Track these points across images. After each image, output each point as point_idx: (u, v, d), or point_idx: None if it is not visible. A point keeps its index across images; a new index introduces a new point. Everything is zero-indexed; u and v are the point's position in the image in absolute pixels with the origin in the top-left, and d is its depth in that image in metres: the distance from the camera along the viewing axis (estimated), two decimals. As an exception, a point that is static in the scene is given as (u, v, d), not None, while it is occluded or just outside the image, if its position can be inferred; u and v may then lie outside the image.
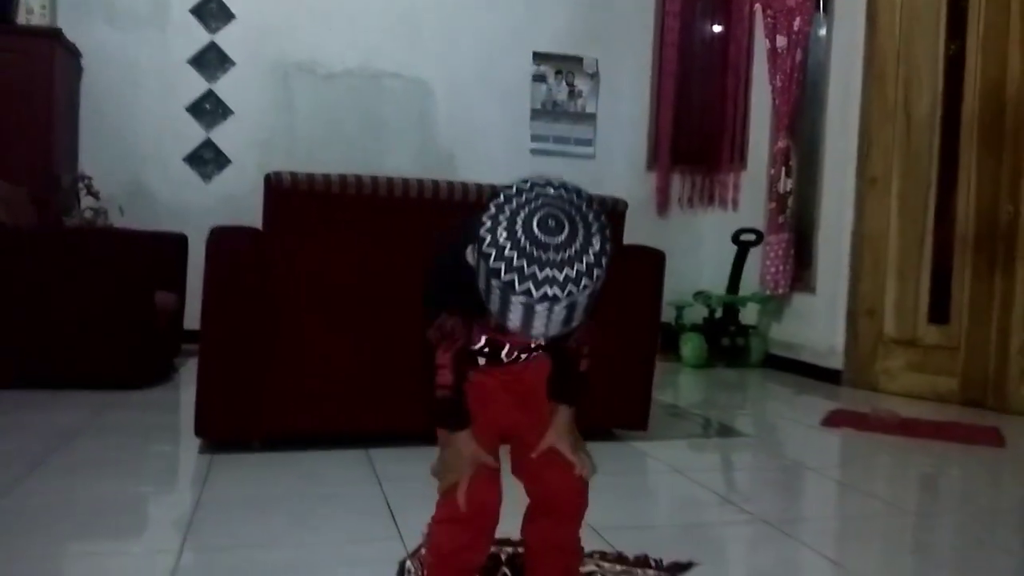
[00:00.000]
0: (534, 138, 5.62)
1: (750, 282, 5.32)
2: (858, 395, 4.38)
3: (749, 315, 5.41)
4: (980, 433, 3.43)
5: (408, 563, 1.75)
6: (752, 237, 5.30)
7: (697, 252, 5.75)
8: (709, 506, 2.36)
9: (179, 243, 4.32)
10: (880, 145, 4.56)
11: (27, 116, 4.30)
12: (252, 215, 2.66)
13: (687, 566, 1.78)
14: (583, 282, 1.05)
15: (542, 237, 1.04)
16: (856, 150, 4.63)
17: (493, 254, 1.05)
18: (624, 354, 2.97)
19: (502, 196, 1.08)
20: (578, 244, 1.04)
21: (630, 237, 2.91)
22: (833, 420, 3.59)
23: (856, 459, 3.05)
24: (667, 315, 4.68)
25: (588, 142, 5.73)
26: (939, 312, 4.35)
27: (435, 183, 2.71)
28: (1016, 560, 2.02)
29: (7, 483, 2.21)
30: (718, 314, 5.36)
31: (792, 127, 5.08)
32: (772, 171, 5.20)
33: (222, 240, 2.59)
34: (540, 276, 1.03)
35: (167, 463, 2.54)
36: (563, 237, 1.04)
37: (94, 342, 3.48)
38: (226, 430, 2.63)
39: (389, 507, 2.17)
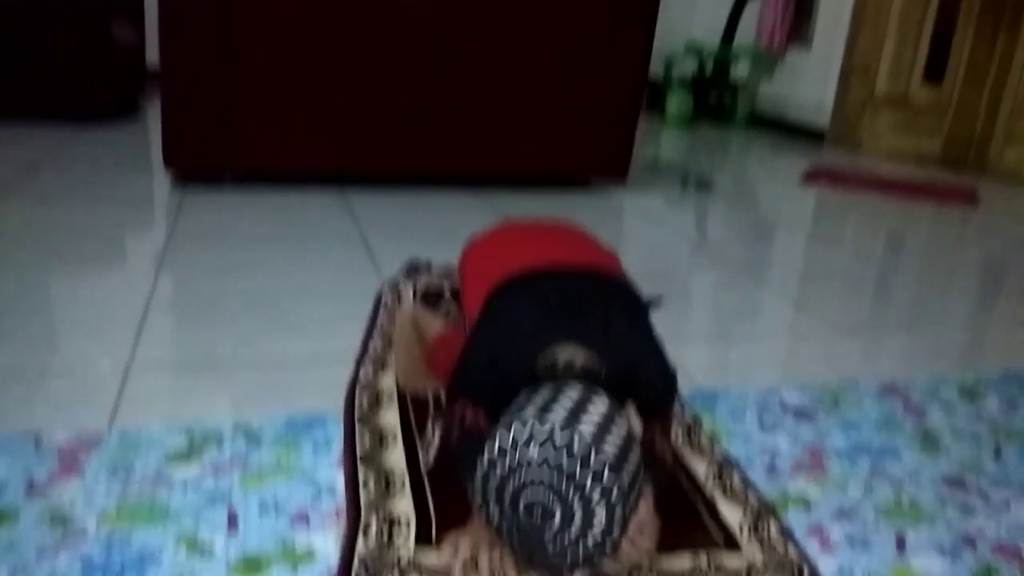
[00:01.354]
0: None
1: (745, 37, 5.08)
2: (841, 154, 4.35)
3: (739, 72, 5.23)
4: (956, 193, 3.46)
5: (385, 292, 1.78)
6: (751, -15, 4.99)
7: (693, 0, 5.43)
8: (681, 252, 2.40)
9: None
10: None
11: None
12: (209, -71, 2.41)
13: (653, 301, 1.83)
14: (588, 562, 0.88)
15: (529, 525, 0.86)
16: None
17: (486, 517, 0.90)
18: (609, 102, 2.88)
19: (485, 462, 0.88)
20: (575, 529, 0.85)
21: (622, -29, 2.70)
22: (812, 177, 3.59)
23: (829, 214, 3.09)
24: (656, 70, 4.51)
25: None
26: (934, 71, 4.22)
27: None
28: (969, 303, 2.11)
29: (-24, 210, 2.19)
30: (708, 70, 5.18)
31: None
32: (781, -91, 4.78)
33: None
34: (537, 556, 0.88)
35: (138, 195, 2.51)
36: (555, 523, 0.85)
37: (50, 74, 3.31)
38: (195, 164, 2.58)
39: (366, 242, 2.18)
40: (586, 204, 2.80)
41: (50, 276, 1.77)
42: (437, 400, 1.32)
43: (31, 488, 1.02)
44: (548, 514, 0.85)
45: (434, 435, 1.21)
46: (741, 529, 1.05)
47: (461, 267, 1.40)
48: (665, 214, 2.84)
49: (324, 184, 2.75)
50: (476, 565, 0.93)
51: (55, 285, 1.73)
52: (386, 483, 1.09)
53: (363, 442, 1.18)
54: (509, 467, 0.86)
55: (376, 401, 1.31)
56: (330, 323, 1.64)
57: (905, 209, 3.17)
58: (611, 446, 0.87)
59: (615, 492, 0.85)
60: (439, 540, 0.97)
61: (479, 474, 0.88)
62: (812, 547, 1.04)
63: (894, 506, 1.15)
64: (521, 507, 0.86)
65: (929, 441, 1.35)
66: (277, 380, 1.39)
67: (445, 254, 2.01)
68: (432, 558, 0.95)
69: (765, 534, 1.05)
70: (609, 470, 0.85)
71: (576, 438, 0.85)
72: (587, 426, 0.87)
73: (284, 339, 1.55)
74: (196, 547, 0.94)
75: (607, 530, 0.85)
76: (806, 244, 2.62)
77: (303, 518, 1.01)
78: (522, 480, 0.85)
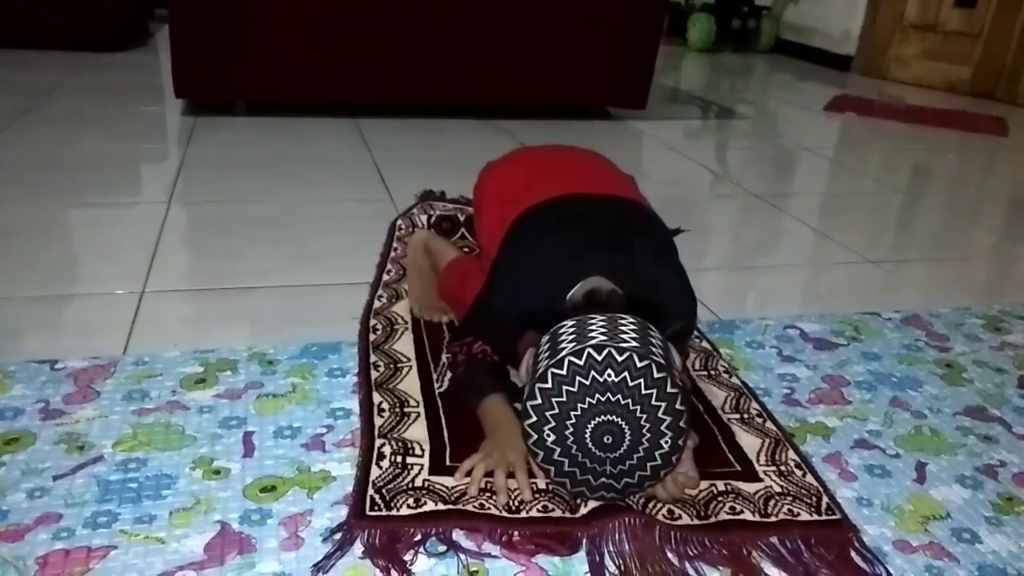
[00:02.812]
0: None
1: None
2: (867, 82, 4.23)
3: (764, -5, 5.06)
4: (985, 122, 3.36)
5: (399, 221, 1.75)
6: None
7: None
8: (702, 181, 2.35)
9: None
10: None
11: None
12: None
13: (675, 231, 1.80)
14: (648, 483, 0.88)
15: (598, 452, 0.85)
16: None
17: (541, 455, 0.87)
18: (626, 29, 2.79)
19: (538, 395, 0.85)
20: (642, 451, 0.85)
21: None
22: (837, 105, 3.49)
23: (854, 142, 3.01)
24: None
25: None
26: (968, -5, 4.05)
27: None
28: (995, 236, 2.06)
29: (-13, 137, 2.17)
30: (731, -7, 5.00)
31: None
32: None
33: None
34: (595, 483, 0.87)
35: (149, 122, 2.47)
36: (624, 448, 0.84)
37: (60, 1, 3.24)
38: (207, 90, 2.53)
39: (380, 172, 2.15)
40: (604, 133, 2.74)
41: (64, 204, 1.76)
42: (451, 326, 1.31)
43: (47, 412, 1.03)
44: (619, 439, 0.84)
45: (448, 362, 1.20)
46: (759, 457, 1.04)
47: (476, 191, 1.36)
48: (685, 143, 2.77)
49: (337, 113, 2.70)
50: (490, 488, 0.93)
51: (69, 213, 1.72)
52: (401, 409, 1.08)
53: (378, 369, 1.18)
54: (570, 396, 0.84)
55: (391, 328, 1.30)
56: (344, 252, 1.63)
57: (934, 137, 3.08)
58: (667, 361, 0.86)
59: (680, 420, 0.84)
60: (453, 464, 0.97)
61: (533, 409, 0.86)
62: (830, 476, 1.03)
63: (915, 436, 1.14)
64: (587, 437, 0.85)
65: (952, 372, 1.33)
66: (292, 307, 1.38)
67: (460, 184, 1.98)
68: (446, 482, 0.95)
69: (783, 462, 1.04)
70: (672, 386, 0.84)
71: (636, 360, 0.83)
72: (636, 345, 0.85)
73: (298, 267, 1.54)
74: (212, 471, 0.94)
75: (673, 448, 0.85)
76: (829, 173, 2.56)
77: (318, 443, 1.01)
78: (588, 409, 0.84)
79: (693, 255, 1.72)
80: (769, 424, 1.12)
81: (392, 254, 1.59)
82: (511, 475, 0.93)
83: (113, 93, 2.78)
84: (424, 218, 1.75)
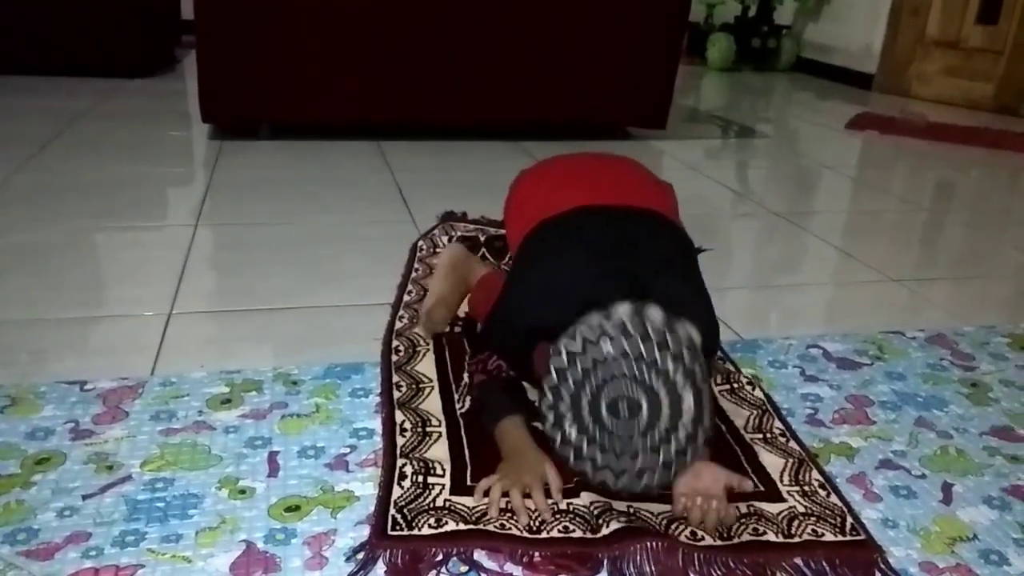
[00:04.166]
0: None
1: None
2: (888, 100, 4.21)
3: (784, 15, 5.06)
4: (1009, 139, 3.33)
5: (421, 242, 1.77)
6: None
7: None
8: (722, 200, 2.35)
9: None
10: None
11: None
12: None
13: (697, 251, 1.80)
14: (676, 464, 0.85)
15: (615, 426, 0.83)
16: None
17: (558, 439, 0.86)
18: (646, 50, 2.80)
19: (555, 373, 0.86)
20: (664, 422, 0.82)
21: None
22: (858, 123, 3.48)
23: (876, 160, 2.99)
24: (696, 14, 4.38)
25: None
26: (989, 12, 4.04)
27: None
28: (1021, 253, 2.04)
29: (18, 160, 2.21)
30: (751, 12, 5.01)
31: None
32: None
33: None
34: (617, 466, 0.84)
35: (177, 146, 2.52)
36: (643, 420, 0.82)
37: (91, 27, 3.31)
38: (232, 114, 2.58)
39: (401, 194, 2.17)
40: (625, 153, 2.74)
41: (93, 227, 1.79)
42: (472, 343, 1.31)
43: (77, 433, 1.05)
44: (635, 408, 0.82)
45: (468, 382, 1.20)
46: (782, 477, 1.04)
47: (506, 202, 1.35)
48: (705, 163, 2.77)
49: (360, 136, 2.74)
50: (511, 508, 0.93)
51: (98, 236, 1.75)
52: (423, 429, 1.09)
53: (400, 389, 1.19)
54: (584, 369, 0.84)
55: (413, 350, 1.31)
56: (367, 273, 1.64)
57: (957, 155, 3.06)
58: (683, 330, 0.86)
59: (698, 373, 0.83)
60: (474, 484, 0.98)
61: (550, 388, 0.86)
62: (855, 497, 1.02)
63: (940, 456, 1.13)
64: (604, 409, 0.83)
65: (978, 391, 1.31)
66: (315, 328, 1.39)
67: (481, 205, 2.00)
68: (467, 502, 0.95)
69: (806, 482, 1.03)
70: (687, 350, 0.83)
71: (648, 324, 0.83)
72: (655, 312, 0.85)
73: (322, 288, 1.56)
74: (237, 490, 0.95)
75: (697, 417, 0.83)
76: (851, 192, 2.55)
77: (342, 463, 1.02)
78: (601, 378, 0.83)
79: (715, 274, 1.72)
80: (792, 444, 1.12)
81: (413, 275, 1.61)
82: (527, 496, 0.94)
83: (141, 118, 2.84)
84: (445, 239, 1.77)
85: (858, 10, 4.58)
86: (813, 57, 4.96)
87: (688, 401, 0.82)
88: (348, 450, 1.05)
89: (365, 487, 0.97)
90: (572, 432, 0.86)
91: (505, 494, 0.94)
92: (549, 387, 0.87)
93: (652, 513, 0.95)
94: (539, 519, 0.92)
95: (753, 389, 1.25)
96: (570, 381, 0.85)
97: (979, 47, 4.07)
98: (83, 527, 0.88)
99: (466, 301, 1.44)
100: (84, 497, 0.93)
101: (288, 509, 0.93)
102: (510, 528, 0.91)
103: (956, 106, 4.12)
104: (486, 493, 0.95)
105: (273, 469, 1.00)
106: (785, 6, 5.00)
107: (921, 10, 4.24)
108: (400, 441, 1.06)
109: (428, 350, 1.31)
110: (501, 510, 0.93)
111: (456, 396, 1.18)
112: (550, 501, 0.94)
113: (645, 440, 0.83)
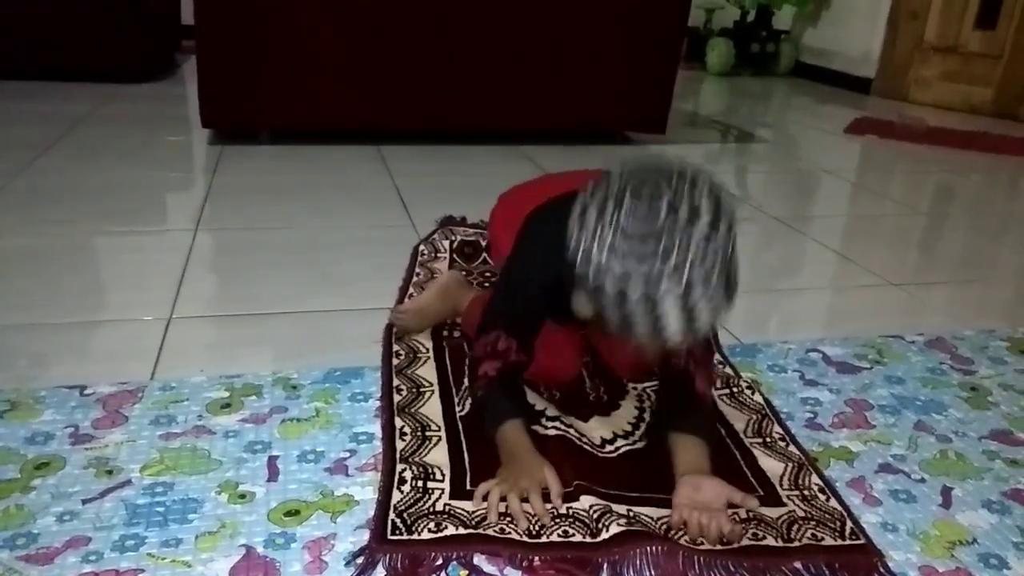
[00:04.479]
0: None
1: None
2: (887, 105, 4.22)
3: (783, 20, 5.07)
4: (1008, 143, 3.34)
5: (421, 247, 1.77)
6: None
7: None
8: (721, 204, 2.35)
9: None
10: None
11: None
12: None
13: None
14: (707, 257, 0.82)
15: (637, 229, 0.80)
16: None
17: (591, 270, 0.83)
18: (646, 55, 2.81)
19: (579, 204, 0.86)
20: (684, 214, 0.80)
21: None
22: (857, 127, 3.49)
23: (875, 165, 3.00)
24: (696, 20, 4.39)
25: None
26: (987, 17, 4.04)
27: None
28: (1020, 257, 2.04)
29: (17, 165, 2.21)
30: (750, 17, 5.02)
31: None
32: None
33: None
34: (654, 272, 0.80)
35: (177, 151, 2.52)
36: (681, 215, 0.81)
37: (90, 32, 3.31)
38: (232, 119, 2.58)
39: (401, 198, 2.18)
40: (624, 158, 2.75)
41: (93, 231, 1.79)
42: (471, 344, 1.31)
43: (76, 437, 1.05)
44: (672, 206, 0.81)
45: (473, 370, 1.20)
46: (781, 481, 1.04)
47: (492, 218, 1.35)
48: (705, 165, 2.77)
49: (360, 141, 2.74)
50: (508, 511, 0.93)
51: (98, 240, 1.75)
52: (422, 433, 1.09)
53: (400, 393, 1.19)
54: (607, 191, 0.84)
55: (413, 355, 1.31)
56: (367, 277, 1.64)
57: (956, 159, 3.07)
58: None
59: (722, 191, 0.85)
60: (473, 489, 0.98)
61: (577, 209, 0.85)
62: (854, 501, 1.02)
63: (940, 460, 1.13)
64: (621, 215, 0.81)
65: (977, 395, 1.32)
66: (315, 333, 1.39)
67: (480, 210, 1.99)
68: (467, 507, 0.95)
69: (806, 487, 1.03)
70: (706, 175, 0.86)
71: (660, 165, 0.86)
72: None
73: (322, 293, 1.56)
74: (237, 495, 0.95)
75: (713, 221, 0.82)
76: (851, 196, 2.55)
77: (341, 468, 1.02)
78: (621, 191, 0.83)
79: (714, 279, 1.72)
80: (792, 448, 1.12)
81: (414, 279, 1.61)
82: (525, 500, 0.94)
83: (141, 123, 2.84)
84: (446, 243, 1.77)
85: (857, 15, 4.59)
86: (812, 62, 4.97)
87: (720, 209, 0.84)
88: (348, 454, 1.05)
89: (365, 491, 0.97)
90: (596, 252, 0.82)
91: (504, 498, 0.94)
92: (578, 206, 0.86)
93: (652, 518, 0.95)
94: (538, 523, 0.92)
95: (752, 393, 1.25)
96: (593, 207, 0.84)
97: (978, 52, 4.08)
98: (83, 531, 0.88)
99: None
100: (84, 501, 0.93)
101: (288, 513, 0.93)
102: (509, 532, 0.91)
103: (955, 110, 4.12)
104: (485, 498, 0.95)
105: (273, 473, 1.00)
106: (784, 11, 5.01)
107: (920, 15, 4.25)
108: (400, 445, 1.06)
109: (428, 357, 1.31)
110: (500, 514, 0.93)
111: (456, 400, 1.18)
112: (549, 506, 0.94)
113: (686, 242, 0.81)
